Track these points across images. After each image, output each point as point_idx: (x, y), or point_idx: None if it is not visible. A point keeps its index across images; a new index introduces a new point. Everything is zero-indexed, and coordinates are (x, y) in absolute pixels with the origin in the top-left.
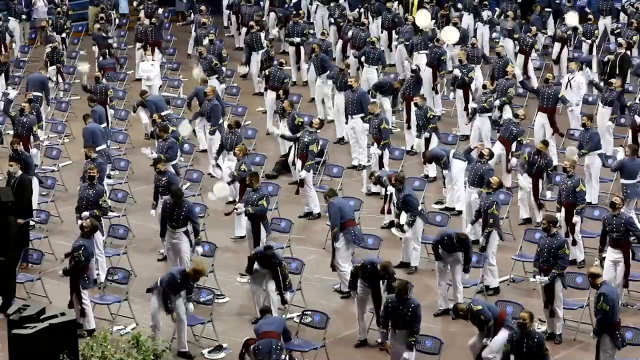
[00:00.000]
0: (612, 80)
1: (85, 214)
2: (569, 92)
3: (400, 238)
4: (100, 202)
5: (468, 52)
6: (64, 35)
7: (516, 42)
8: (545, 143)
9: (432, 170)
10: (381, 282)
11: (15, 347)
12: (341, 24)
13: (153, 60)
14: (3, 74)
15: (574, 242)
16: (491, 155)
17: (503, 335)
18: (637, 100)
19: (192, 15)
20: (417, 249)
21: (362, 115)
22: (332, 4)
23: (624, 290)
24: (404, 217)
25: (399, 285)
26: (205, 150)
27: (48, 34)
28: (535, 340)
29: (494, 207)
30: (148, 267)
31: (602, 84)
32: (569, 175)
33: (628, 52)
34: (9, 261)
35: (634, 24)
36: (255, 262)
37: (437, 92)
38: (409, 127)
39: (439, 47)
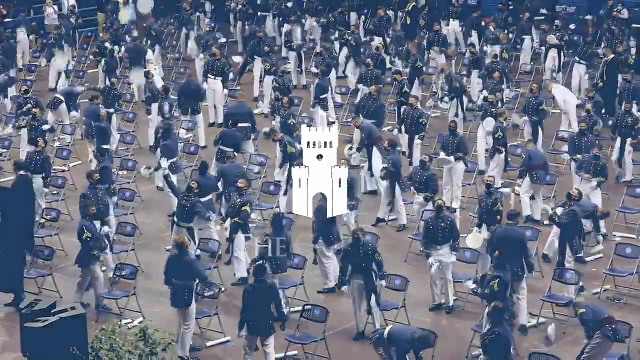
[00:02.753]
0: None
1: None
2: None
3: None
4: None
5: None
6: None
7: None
8: (530, 142)
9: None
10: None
11: (28, 340)
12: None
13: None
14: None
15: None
16: None
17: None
18: None
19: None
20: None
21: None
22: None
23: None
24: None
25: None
26: None
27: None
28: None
29: (499, 204)
30: (155, 264)
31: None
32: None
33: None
34: (15, 259)
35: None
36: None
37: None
38: (400, 131)
39: (414, 55)
